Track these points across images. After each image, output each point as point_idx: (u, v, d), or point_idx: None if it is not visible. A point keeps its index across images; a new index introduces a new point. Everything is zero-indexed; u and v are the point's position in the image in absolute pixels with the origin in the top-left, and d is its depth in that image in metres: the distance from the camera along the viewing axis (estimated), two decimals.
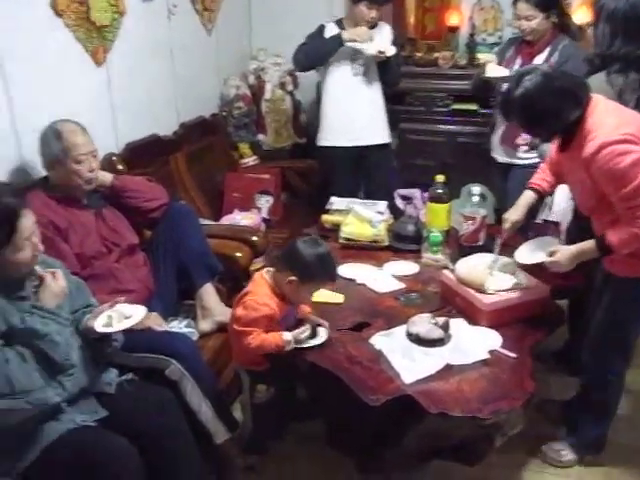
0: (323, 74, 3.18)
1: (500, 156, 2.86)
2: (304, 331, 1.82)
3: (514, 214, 2.11)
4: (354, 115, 3.13)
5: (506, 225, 2.11)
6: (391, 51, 2.98)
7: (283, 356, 1.81)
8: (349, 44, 2.97)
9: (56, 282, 1.56)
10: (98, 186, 2.13)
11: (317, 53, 3.04)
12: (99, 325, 1.63)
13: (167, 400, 1.75)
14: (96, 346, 1.72)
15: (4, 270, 1.52)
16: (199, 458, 1.77)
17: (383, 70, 3.08)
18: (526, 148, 2.71)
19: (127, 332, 1.82)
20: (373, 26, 3.02)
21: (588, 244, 1.84)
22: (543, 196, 2.17)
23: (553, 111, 1.76)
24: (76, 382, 1.62)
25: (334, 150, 3.22)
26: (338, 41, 2.95)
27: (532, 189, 2.13)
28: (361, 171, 3.24)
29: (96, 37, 2.57)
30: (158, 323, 2.07)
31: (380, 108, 3.20)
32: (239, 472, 1.98)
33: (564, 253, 1.87)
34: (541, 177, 2.14)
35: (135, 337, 1.83)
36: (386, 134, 3.24)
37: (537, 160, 2.66)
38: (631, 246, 1.76)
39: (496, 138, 2.85)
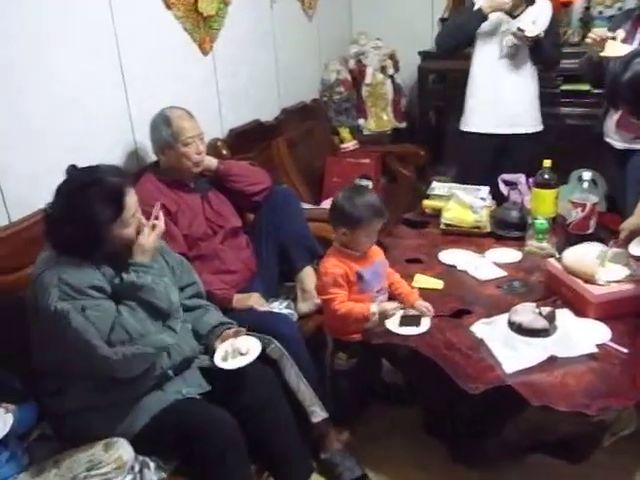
0: (471, 54, 2.98)
1: (616, 142, 2.62)
2: (394, 308, 1.84)
3: (632, 223, 1.97)
4: (498, 101, 2.90)
5: (623, 234, 1.97)
6: (532, 32, 2.68)
7: (380, 338, 1.82)
8: (492, 16, 2.75)
9: (147, 238, 1.65)
10: (204, 170, 2.23)
11: (459, 30, 2.83)
12: (218, 358, 1.74)
13: (268, 377, 1.81)
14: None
15: (111, 243, 1.61)
16: (298, 432, 1.83)
17: (532, 51, 2.82)
18: None
19: (230, 311, 1.90)
20: (531, 1, 2.78)
21: None
22: None
23: None
24: (176, 348, 1.71)
25: (475, 136, 3.02)
26: (480, 13, 2.73)
27: None
28: (504, 160, 2.97)
29: (203, 27, 2.68)
30: (260, 303, 2.14)
31: (530, 93, 2.95)
32: (334, 451, 2.00)
33: None
34: None
35: (238, 317, 1.91)
36: (536, 122, 3.00)
37: None
38: None
39: (611, 122, 2.64)
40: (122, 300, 1.58)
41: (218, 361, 1.72)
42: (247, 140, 2.91)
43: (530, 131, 2.99)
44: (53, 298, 1.50)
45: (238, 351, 1.74)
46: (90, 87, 2.12)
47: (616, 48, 2.34)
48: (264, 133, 3.10)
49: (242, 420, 1.68)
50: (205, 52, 2.73)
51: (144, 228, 1.65)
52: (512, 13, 2.83)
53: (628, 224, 2.00)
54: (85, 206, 1.54)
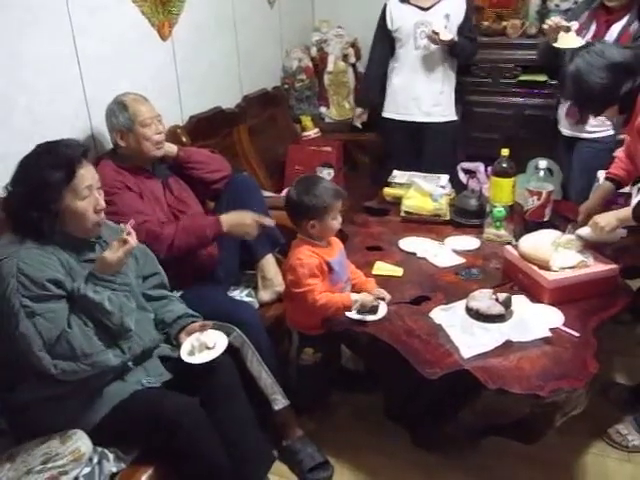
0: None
1: (566, 129, 2.75)
2: (371, 300, 1.84)
3: (588, 206, 2.11)
4: (415, 90, 3.10)
5: (580, 217, 2.10)
6: (447, 36, 2.86)
7: (340, 326, 1.83)
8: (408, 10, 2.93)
9: (114, 253, 1.57)
10: (164, 157, 2.19)
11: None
12: (184, 352, 1.72)
13: (228, 365, 1.79)
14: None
15: (70, 226, 1.59)
16: (256, 422, 1.81)
17: (450, 49, 2.99)
18: (594, 122, 2.59)
19: (192, 298, 1.88)
20: None
21: (625, 210, 1.87)
22: (622, 185, 2.11)
23: (601, 88, 1.74)
24: (135, 346, 1.68)
25: (394, 123, 3.22)
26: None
27: (608, 179, 2.07)
28: (420, 147, 3.19)
29: (162, 12, 2.62)
30: (256, 220, 2.12)
31: (446, 84, 3.12)
32: (296, 438, 2.01)
33: (603, 215, 1.89)
34: (617, 165, 2.07)
35: (198, 303, 1.90)
36: (449, 112, 3.17)
37: (604, 134, 2.55)
38: None
39: (562, 111, 2.74)
40: (76, 309, 1.54)
41: (184, 356, 1.70)
42: (208, 127, 2.88)
43: (442, 120, 3.15)
44: (10, 291, 1.47)
45: (205, 345, 1.72)
46: (43, 70, 2.06)
47: (568, 40, 2.41)
48: (225, 120, 3.06)
49: (201, 403, 1.67)
50: (164, 37, 2.67)
51: (113, 242, 1.59)
52: (424, 6, 2.96)
53: (584, 207, 2.13)
54: (36, 171, 1.55)
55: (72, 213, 1.58)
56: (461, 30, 2.98)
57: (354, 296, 1.83)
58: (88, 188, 1.59)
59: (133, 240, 1.60)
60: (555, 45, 2.47)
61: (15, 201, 1.58)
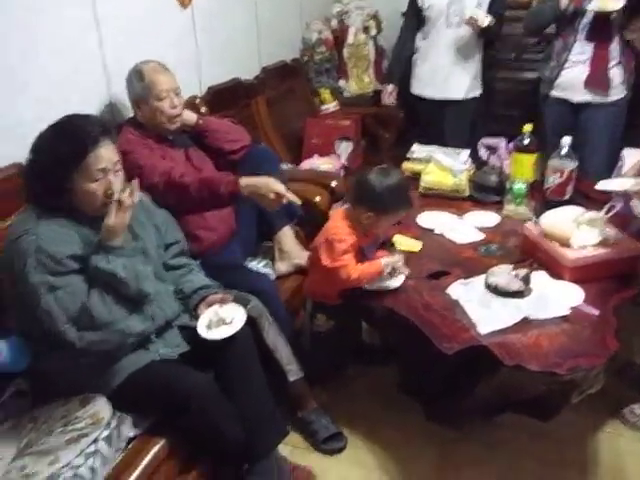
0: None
1: (576, 96, 2.76)
2: (398, 260, 1.83)
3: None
4: (443, 68, 3.06)
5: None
6: (484, 22, 2.81)
7: (358, 299, 1.83)
8: None
9: (112, 218, 1.54)
10: (183, 125, 2.18)
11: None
12: (202, 327, 1.71)
13: (244, 336, 1.77)
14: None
15: (80, 203, 1.57)
16: (271, 394, 1.81)
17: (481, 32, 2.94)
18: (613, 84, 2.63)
19: (210, 267, 1.88)
20: None
21: None
22: None
23: None
24: (158, 316, 1.69)
25: (421, 99, 3.19)
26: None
27: None
28: (444, 122, 3.16)
29: None
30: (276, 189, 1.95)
31: (474, 61, 3.07)
32: (310, 409, 2.03)
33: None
34: None
35: (217, 273, 1.90)
36: (475, 88, 3.13)
37: (620, 96, 2.65)
38: None
39: (572, 78, 2.72)
40: (92, 282, 1.54)
41: (202, 329, 1.70)
42: (226, 98, 2.86)
43: (468, 97, 3.12)
44: (29, 268, 1.47)
45: (222, 320, 1.71)
46: (63, 35, 2.05)
47: (607, 2, 2.43)
48: (243, 92, 3.04)
49: (216, 378, 1.69)
50: (184, 5, 2.65)
51: (110, 206, 1.54)
52: None
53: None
54: (51, 144, 1.53)
55: (82, 193, 1.55)
56: (491, 5, 2.91)
57: (384, 260, 1.82)
58: (102, 170, 1.54)
59: (129, 199, 1.55)
60: (590, 8, 2.45)
61: (30, 170, 1.57)
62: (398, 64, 3.27)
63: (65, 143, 1.51)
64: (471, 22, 2.84)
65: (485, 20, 2.82)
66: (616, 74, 2.64)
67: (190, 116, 2.22)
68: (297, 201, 1.93)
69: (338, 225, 1.87)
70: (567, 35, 2.67)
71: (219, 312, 1.73)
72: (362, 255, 1.89)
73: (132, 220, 1.64)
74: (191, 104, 2.60)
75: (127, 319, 1.58)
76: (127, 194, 1.55)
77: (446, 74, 3.07)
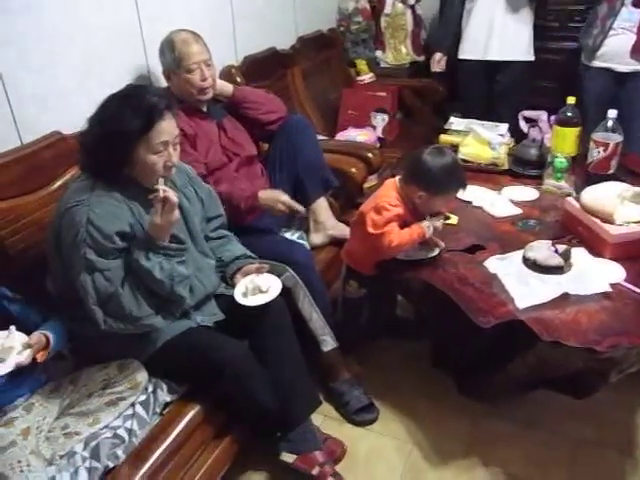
0: None
1: (620, 65, 2.66)
2: (442, 222, 1.81)
3: None
4: (494, 28, 2.97)
5: None
6: None
7: (393, 272, 1.81)
8: None
9: (158, 216, 1.52)
10: (218, 95, 2.17)
11: None
12: (238, 294, 1.72)
13: (279, 305, 1.79)
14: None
15: (138, 175, 1.58)
16: (305, 364, 1.82)
17: None
18: None
19: (246, 237, 1.90)
20: None
21: None
22: None
23: None
24: (199, 286, 1.71)
25: (472, 63, 3.10)
26: None
27: None
28: (494, 87, 3.10)
29: None
30: (281, 200, 2.10)
31: (526, 22, 2.98)
32: (343, 380, 2.04)
33: None
34: None
35: (253, 242, 1.91)
36: (528, 51, 3.05)
37: None
38: None
39: (617, 47, 2.62)
40: (130, 270, 1.55)
41: (238, 296, 1.72)
42: (262, 68, 2.84)
43: (521, 59, 3.03)
44: (79, 240, 1.49)
45: (258, 288, 1.72)
46: (101, 7, 2.05)
47: None
48: (279, 61, 3.02)
49: (251, 347, 1.71)
50: None
51: (157, 205, 1.52)
52: None
53: None
54: (117, 112, 1.51)
55: (141, 164, 1.55)
56: None
57: (424, 223, 1.80)
58: (163, 144, 1.54)
59: (173, 196, 1.54)
60: None
61: (90, 139, 1.56)
62: (445, 30, 3.19)
63: (133, 114, 1.50)
64: None
65: None
66: None
67: (226, 87, 2.21)
68: (301, 210, 2.14)
69: (389, 194, 1.84)
70: (613, 0, 2.56)
71: (255, 280, 1.74)
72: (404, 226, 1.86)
73: (180, 195, 1.66)
74: (227, 73, 2.59)
75: (154, 317, 1.58)
76: (170, 192, 1.53)
77: (501, 34, 2.98)
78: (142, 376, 1.59)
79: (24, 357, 1.41)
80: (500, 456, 1.88)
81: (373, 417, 2.02)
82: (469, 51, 3.11)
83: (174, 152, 1.59)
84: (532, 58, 3.08)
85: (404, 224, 1.83)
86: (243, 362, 1.64)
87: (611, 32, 2.60)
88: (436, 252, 1.81)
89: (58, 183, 1.85)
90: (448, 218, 1.83)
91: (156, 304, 1.58)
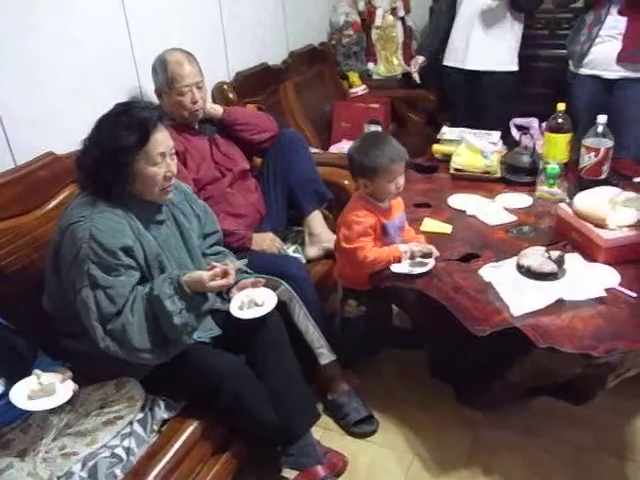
0: None
1: (608, 72, 2.66)
2: (421, 249, 1.81)
3: None
4: (474, 38, 3.00)
5: None
6: None
7: (387, 282, 1.82)
8: None
9: (212, 283, 1.54)
10: (208, 118, 2.18)
11: None
12: (234, 307, 1.71)
13: (275, 320, 1.80)
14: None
15: (139, 189, 1.59)
16: (303, 378, 1.82)
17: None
18: None
19: (242, 251, 1.90)
20: None
21: None
22: None
23: None
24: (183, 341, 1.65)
25: (453, 70, 3.14)
26: None
27: None
28: (477, 97, 3.11)
29: None
30: (274, 246, 2.14)
31: (508, 33, 2.99)
32: (341, 392, 2.04)
33: None
34: None
35: (248, 257, 1.91)
36: (510, 61, 3.05)
37: None
38: None
39: (600, 54, 2.63)
40: (146, 301, 1.54)
41: (234, 310, 1.71)
42: (254, 84, 2.86)
43: (500, 70, 3.04)
44: (81, 256, 1.49)
45: (254, 302, 1.72)
46: (92, 26, 2.07)
47: None
48: (271, 77, 3.04)
49: (248, 362, 1.71)
50: None
51: (215, 269, 1.56)
52: None
53: None
54: (111, 131, 1.53)
55: (143, 177, 1.56)
56: None
57: (402, 247, 1.81)
58: (161, 155, 1.57)
59: (232, 278, 1.57)
60: None
61: (88, 160, 1.57)
62: (430, 37, 3.24)
63: (127, 131, 1.52)
64: None
65: None
66: None
67: (215, 109, 2.23)
68: (285, 252, 2.21)
69: (355, 206, 1.87)
70: (599, 7, 2.58)
71: (251, 294, 1.74)
72: (386, 234, 1.88)
73: (178, 212, 1.71)
74: (219, 90, 2.61)
75: (149, 353, 1.55)
76: (231, 276, 1.58)
77: (478, 44, 3.01)
78: (139, 394, 1.59)
79: (72, 384, 1.46)
80: (501, 465, 1.87)
81: (373, 429, 2.02)
82: (450, 59, 3.15)
83: (172, 162, 1.62)
84: (514, 68, 3.07)
85: (382, 230, 1.84)
86: (241, 377, 1.64)
87: (597, 40, 2.62)
88: (427, 268, 1.80)
89: (54, 203, 1.86)
90: (429, 256, 1.82)
91: (157, 342, 1.55)
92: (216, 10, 2.70)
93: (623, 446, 1.91)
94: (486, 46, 3.00)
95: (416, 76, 3.24)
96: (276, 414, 1.69)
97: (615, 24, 2.55)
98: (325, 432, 2.01)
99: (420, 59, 3.22)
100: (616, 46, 2.58)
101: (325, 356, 1.98)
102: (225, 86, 2.65)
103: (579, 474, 1.83)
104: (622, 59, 2.58)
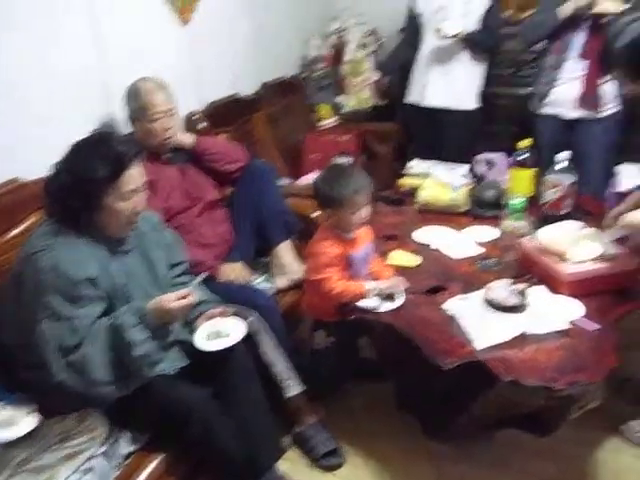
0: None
1: (569, 112, 2.77)
2: (388, 287, 1.83)
3: (622, 210, 1.93)
4: (434, 77, 3.09)
5: (608, 221, 1.96)
6: (451, 31, 2.86)
7: (355, 314, 1.83)
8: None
9: (173, 303, 1.54)
10: (179, 147, 2.19)
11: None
12: (199, 339, 1.68)
13: (242, 351, 1.78)
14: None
15: (104, 222, 1.57)
16: (269, 411, 1.80)
17: (465, 40, 2.96)
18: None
19: (209, 282, 1.88)
20: None
21: None
22: None
23: None
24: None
25: (414, 108, 3.21)
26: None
27: None
28: (440, 135, 3.17)
29: None
30: (242, 277, 2.14)
31: (467, 72, 3.09)
32: (309, 424, 2.02)
33: (635, 213, 1.80)
34: None
35: (216, 288, 1.90)
36: (469, 100, 3.13)
37: (615, 110, 2.66)
38: None
39: (561, 94, 2.74)
40: (108, 330, 1.52)
41: (199, 341, 1.68)
42: (226, 114, 2.88)
43: (461, 108, 3.12)
44: (42, 286, 1.47)
45: (221, 333, 1.70)
46: (62, 54, 2.07)
47: (608, 5, 2.45)
48: (243, 107, 3.07)
49: (215, 394, 1.68)
50: (185, 21, 2.68)
51: (176, 292, 1.56)
52: None
53: (616, 212, 1.96)
54: (87, 159, 1.52)
55: (110, 211, 1.55)
56: (484, 19, 2.94)
57: (369, 285, 1.83)
58: (132, 191, 1.56)
59: (192, 298, 1.57)
60: (595, 11, 2.48)
61: (58, 186, 1.55)
62: (389, 61, 3.39)
63: (102, 162, 1.50)
64: (439, 34, 2.89)
65: (451, 30, 2.85)
66: (608, 90, 2.65)
67: (187, 138, 2.24)
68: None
69: (320, 237, 1.90)
70: (560, 51, 2.69)
71: (217, 325, 1.72)
72: (351, 266, 1.89)
73: (145, 242, 1.69)
74: (191, 120, 2.62)
75: (108, 386, 1.51)
76: (193, 295, 1.58)
77: (437, 82, 3.09)
78: (102, 426, 1.56)
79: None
80: None
81: (340, 461, 2.00)
82: (411, 96, 3.23)
83: (141, 198, 1.61)
84: (473, 106, 3.15)
85: (348, 262, 1.86)
86: (208, 408, 1.62)
87: (558, 81, 2.72)
88: (395, 305, 1.81)
89: (18, 229, 1.82)
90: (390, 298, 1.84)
91: (118, 375, 1.52)
92: (189, 40, 2.73)
93: (584, 477, 1.93)
94: (444, 84, 3.09)
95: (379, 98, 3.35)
96: (243, 447, 1.67)
97: (575, 67, 2.66)
98: (292, 465, 1.98)
99: (385, 80, 3.31)
100: (576, 88, 2.68)
101: (293, 388, 1.96)
102: (197, 116, 2.67)
103: None
104: (582, 105, 2.68)
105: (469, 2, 2.91)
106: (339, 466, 2.00)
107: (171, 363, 1.71)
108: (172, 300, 1.54)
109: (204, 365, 1.72)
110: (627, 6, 2.44)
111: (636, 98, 1.87)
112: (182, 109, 2.23)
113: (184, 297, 1.56)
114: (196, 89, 2.81)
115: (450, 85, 3.08)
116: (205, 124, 2.64)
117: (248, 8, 3.18)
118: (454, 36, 2.89)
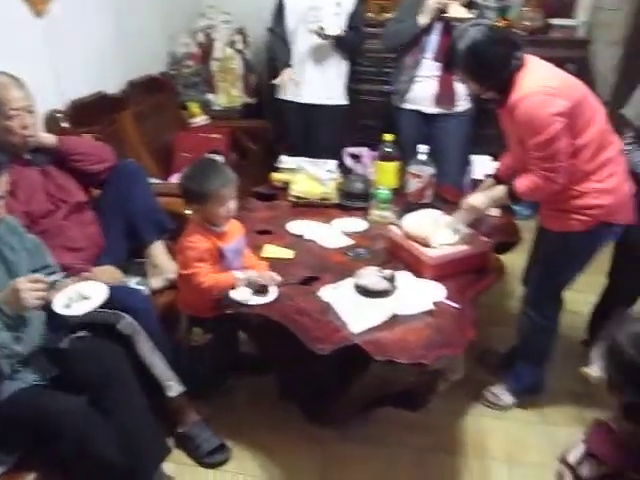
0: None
1: (426, 107, 2.96)
2: (258, 277, 1.85)
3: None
4: (306, 73, 3.14)
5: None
6: (332, 31, 2.94)
7: (231, 308, 1.84)
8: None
9: (29, 292, 1.48)
10: (39, 147, 2.08)
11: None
12: (59, 305, 1.60)
13: (116, 354, 1.75)
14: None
15: None
16: (150, 412, 1.78)
17: (336, 41, 3.05)
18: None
19: None
20: None
21: (499, 189, 2.02)
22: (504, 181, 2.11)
23: (500, 58, 1.83)
24: (30, 339, 1.61)
25: (286, 104, 3.26)
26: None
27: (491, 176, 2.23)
28: (311, 130, 3.25)
29: None
30: (116, 278, 2.07)
31: (337, 69, 3.17)
32: (192, 424, 2.01)
33: (476, 196, 2.05)
34: (500, 163, 2.22)
35: None
36: (339, 96, 3.23)
37: (468, 107, 2.88)
38: (534, 194, 1.93)
39: (421, 92, 2.92)
40: None
41: (59, 308, 1.58)
42: (90, 113, 2.76)
43: (332, 104, 3.22)
44: None
45: (82, 296, 1.61)
46: None
47: (460, 10, 2.66)
48: (109, 106, 2.95)
49: (91, 401, 1.63)
50: (39, 13, 2.52)
51: (30, 277, 1.50)
52: None
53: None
54: None
55: None
56: (351, 19, 3.04)
57: (239, 274, 1.85)
58: None
59: (51, 296, 1.53)
60: (446, 15, 2.68)
61: None
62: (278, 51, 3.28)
63: None
64: (319, 32, 2.95)
65: (335, 29, 2.94)
66: (461, 87, 2.87)
67: (47, 138, 2.12)
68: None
69: (189, 232, 1.91)
70: (416, 53, 2.87)
71: (76, 288, 1.63)
72: (223, 257, 1.91)
73: (4, 246, 1.61)
74: (52, 119, 2.49)
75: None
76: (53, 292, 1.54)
77: (311, 79, 3.15)
78: None
79: None
80: (352, 477, 1.97)
81: (225, 457, 2.01)
82: (287, 92, 3.25)
83: (1, 206, 1.55)
84: (344, 102, 3.26)
85: (220, 255, 1.89)
86: (81, 417, 1.56)
87: (417, 79, 2.91)
88: (268, 299, 1.84)
89: None
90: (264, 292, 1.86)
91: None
92: (45, 35, 2.57)
93: (455, 442, 2.11)
94: (318, 81, 3.16)
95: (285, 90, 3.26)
96: (125, 452, 1.62)
97: (431, 66, 2.85)
98: (178, 466, 1.96)
99: (289, 71, 3.19)
100: (432, 86, 2.87)
101: (173, 388, 1.94)
102: (58, 114, 2.53)
103: (422, 474, 1.98)
104: (439, 102, 2.88)
105: (339, 4, 3.00)
106: (225, 462, 2.01)
107: (41, 372, 1.66)
108: (22, 281, 1.48)
109: (76, 372, 1.67)
110: (475, 13, 2.66)
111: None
112: (40, 107, 2.11)
113: (36, 282, 1.50)
114: (55, 86, 2.66)
115: (324, 82, 3.16)
116: (67, 124, 2.51)
117: (110, 2, 3.06)
118: (334, 36, 2.96)
